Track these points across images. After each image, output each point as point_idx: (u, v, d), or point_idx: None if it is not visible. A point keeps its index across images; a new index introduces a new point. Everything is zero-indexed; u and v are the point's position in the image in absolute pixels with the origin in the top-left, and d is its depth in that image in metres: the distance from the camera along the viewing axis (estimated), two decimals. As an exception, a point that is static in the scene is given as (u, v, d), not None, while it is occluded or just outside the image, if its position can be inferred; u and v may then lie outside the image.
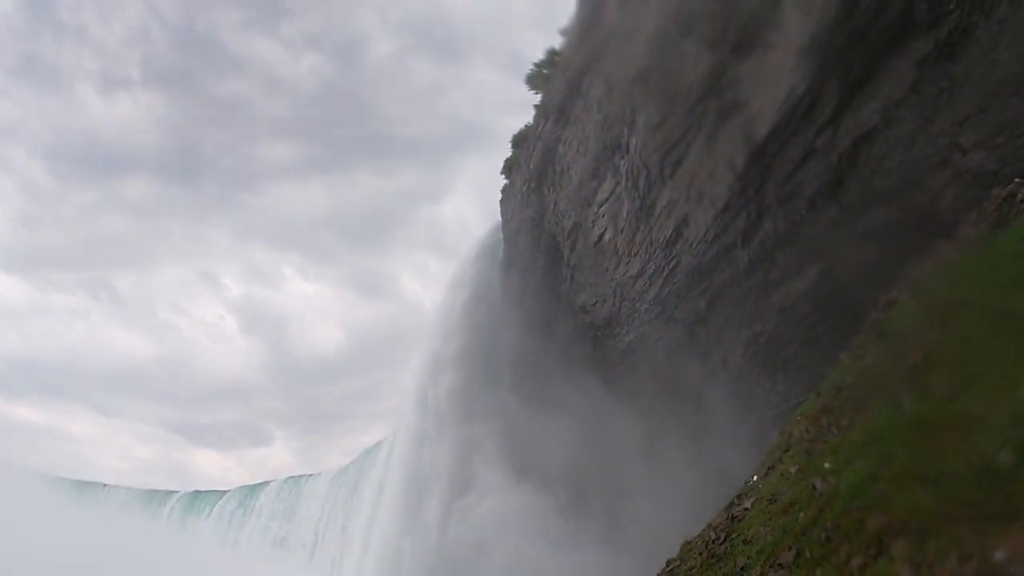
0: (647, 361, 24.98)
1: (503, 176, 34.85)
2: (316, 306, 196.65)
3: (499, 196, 35.05)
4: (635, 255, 24.04)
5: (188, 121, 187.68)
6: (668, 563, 10.78)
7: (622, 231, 24.57)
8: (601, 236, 25.97)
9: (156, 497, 72.92)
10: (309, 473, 55.51)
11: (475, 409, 30.15)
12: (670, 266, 22.52)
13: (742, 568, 8.35)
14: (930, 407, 7.23)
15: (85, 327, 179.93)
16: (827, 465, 8.26)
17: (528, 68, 33.59)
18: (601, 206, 25.87)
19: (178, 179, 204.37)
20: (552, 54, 31.50)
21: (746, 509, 9.99)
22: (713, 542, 10.00)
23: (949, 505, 5.47)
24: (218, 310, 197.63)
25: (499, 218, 35.52)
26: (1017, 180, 10.70)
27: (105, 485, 78.87)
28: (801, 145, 16.06)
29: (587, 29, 26.18)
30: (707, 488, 16.58)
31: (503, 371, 30.52)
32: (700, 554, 10.02)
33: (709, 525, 10.81)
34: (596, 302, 27.46)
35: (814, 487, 8.00)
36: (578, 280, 28.36)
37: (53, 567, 48.46)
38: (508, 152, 34.60)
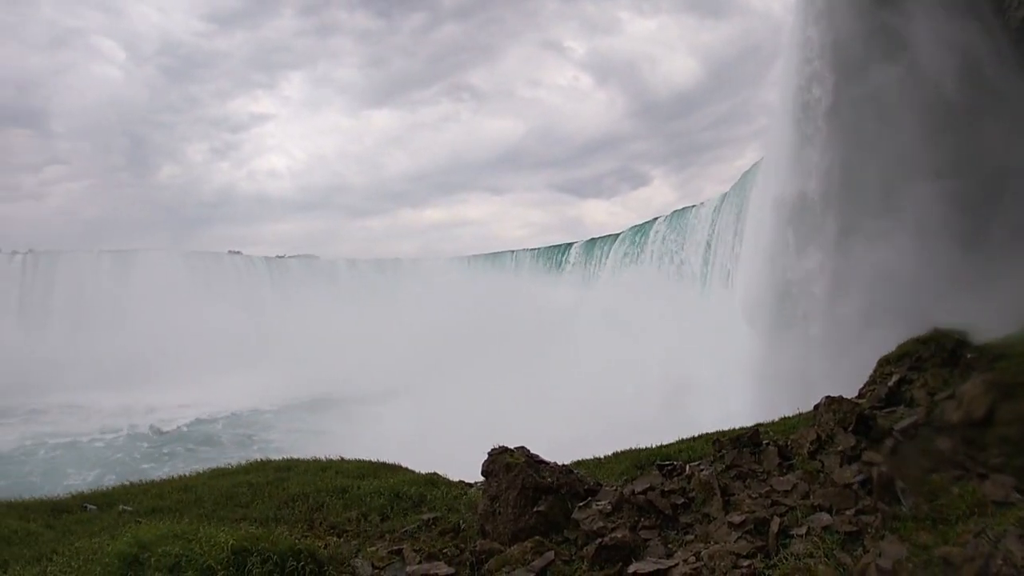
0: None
1: None
2: (661, 40, 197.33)
3: None
4: None
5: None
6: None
7: None
8: None
9: (557, 251, 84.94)
10: (691, 204, 58.68)
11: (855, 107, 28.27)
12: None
13: None
14: None
15: (458, 127, 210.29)
16: None
17: None
18: None
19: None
20: None
21: None
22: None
23: None
24: (570, 72, 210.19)
25: None
26: None
27: (512, 252, 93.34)
28: None
29: None
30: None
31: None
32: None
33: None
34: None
35: None
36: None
37: (481, 328, 60.73)
38: None
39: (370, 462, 11.29)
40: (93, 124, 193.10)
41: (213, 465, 13.64)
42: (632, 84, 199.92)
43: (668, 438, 11.48)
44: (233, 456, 38.29)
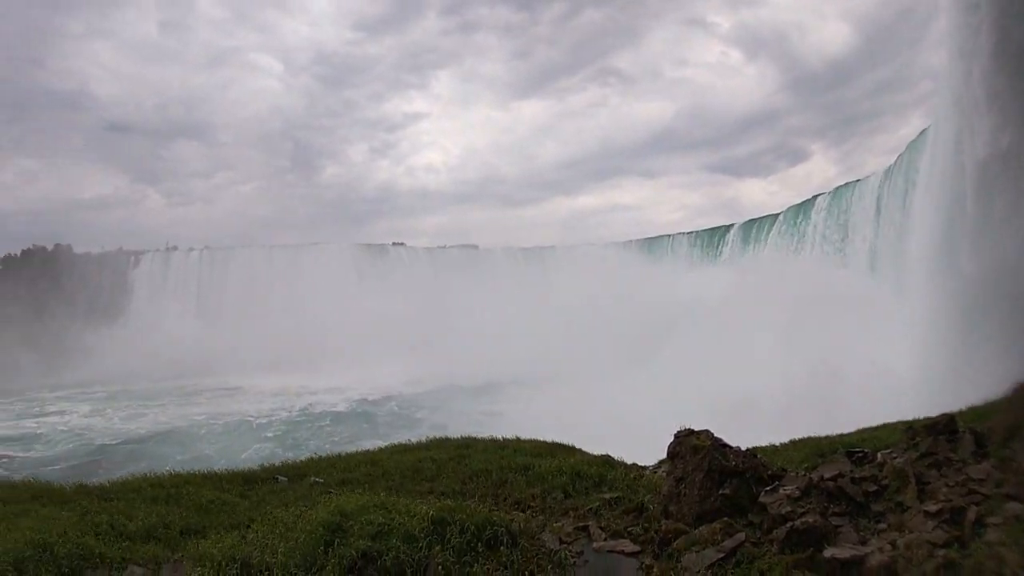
0: None
1: None
2: (809, 7, 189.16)
3: None
4: None
5: None
6: None
7: None
8: None
9: (715, 235, 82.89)
10: (855, 179, 55.77)
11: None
12: None
13: None
14: None
15: (607, 112, 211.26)
16: None
17: None
18: None
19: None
20: None
21: None
22: None
23: None
24: (716, 48, 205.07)
25: None
26: None
27: (669, 236, 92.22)
28: None
29: None
30: None
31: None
32: None
33: None
34: None
35: None
36: None
37: (637, 314, 60.48)
38: None
39: (545, 442, 11.69)
40: (257, 132, 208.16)
41: (379, 442, 14.43)
42: (782, 56, 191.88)
43: (827, 430, 11.28)
44: (395, 434, 40.24)
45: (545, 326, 69.97)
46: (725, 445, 7.86)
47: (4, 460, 47.59)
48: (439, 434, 14.58)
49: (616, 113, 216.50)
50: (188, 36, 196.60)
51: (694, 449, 7.67)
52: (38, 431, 58.44)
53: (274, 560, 7.20)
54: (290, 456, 14.92)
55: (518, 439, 12.00)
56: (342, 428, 51.12)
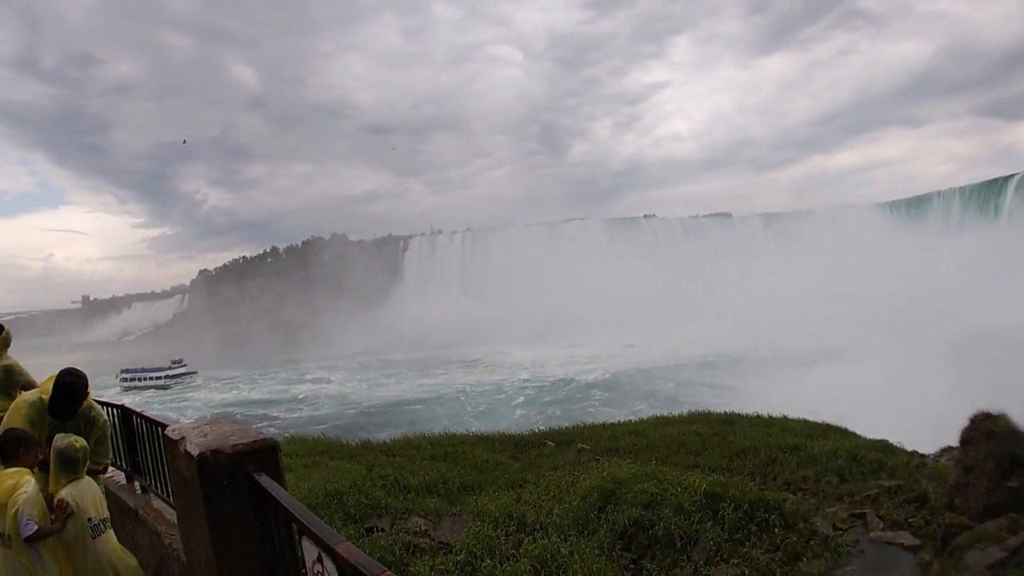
0: None
1: None
2: None
3: None
4: None
5: None
6: None
7: None
8: None
9: (991, 189, 71.45)
10: None
11: None
12: None
13: None
14: None
15: (858, 59, 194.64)
16: None
17: None
18: None
19: None
20: None
21: None
22: None
23: None
24: None
25: None
26: None
27: (938, 193, 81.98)
28: None
29: None
30: None
31: None
32: None
33: None
34: None
35: None
36: None
37: (905, 285, 55.18)
38: None
39: (816, 422, 11.14)
40: (506, 119, 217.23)
41: (622, 412, 14.54)
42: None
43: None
44: (640, 405, 40.19)
45: (799, 296, 66.18)
46: (1024, 432, 6.93)
47: (276, 420, 54.24)
48: (686, 407, 14.42)
49: (868, 59, 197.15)
50: (429, 39, 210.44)
51: (987, 435, 6.84)
52: (301, 395, 66.17)
53: (549, 520, 7.54)
54: (539, 422, 15.50)
55: (785, 418, 11.55)
56: (591, 397, 52.11)
